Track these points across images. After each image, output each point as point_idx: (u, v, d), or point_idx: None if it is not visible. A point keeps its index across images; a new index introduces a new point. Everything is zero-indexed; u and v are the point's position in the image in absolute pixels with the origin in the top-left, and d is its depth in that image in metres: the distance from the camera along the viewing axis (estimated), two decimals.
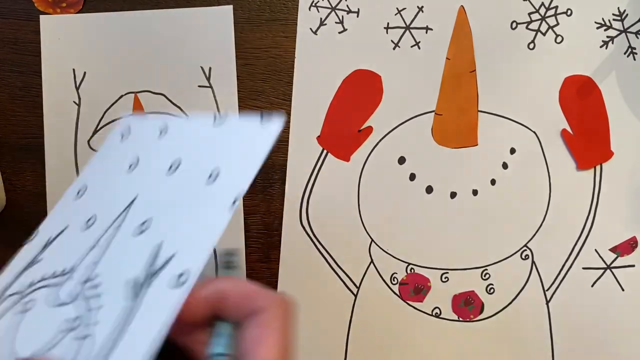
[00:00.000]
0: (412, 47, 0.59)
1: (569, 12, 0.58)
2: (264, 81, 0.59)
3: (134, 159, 0.45)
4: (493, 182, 0.59)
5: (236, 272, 0.41)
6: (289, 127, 0.59)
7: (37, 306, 0.40)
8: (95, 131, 0.59)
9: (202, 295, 0.36)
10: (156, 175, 0.42)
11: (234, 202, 0.38)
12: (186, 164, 0.42)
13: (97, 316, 0.37)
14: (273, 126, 0.41)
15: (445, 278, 0.59)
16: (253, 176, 0.39)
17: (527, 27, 0.58)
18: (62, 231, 0.44)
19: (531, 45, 0.59)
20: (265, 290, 0.36)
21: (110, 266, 0.39)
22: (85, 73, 0.59)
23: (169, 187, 0.41)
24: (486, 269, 0.59)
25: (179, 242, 0.38)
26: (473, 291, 0.59)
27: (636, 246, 0.59)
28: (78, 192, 0.46)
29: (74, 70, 0.59)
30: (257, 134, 0.41)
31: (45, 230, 0.45)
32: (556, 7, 0.58)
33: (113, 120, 0.58)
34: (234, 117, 0.43)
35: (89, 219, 0.43)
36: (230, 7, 0.58)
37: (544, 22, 0.58)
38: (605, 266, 0.59)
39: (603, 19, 0.59)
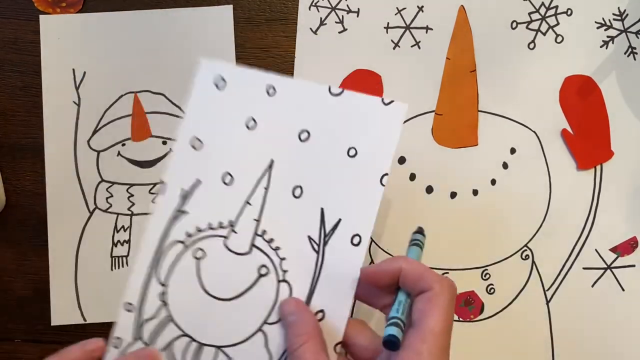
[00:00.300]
0: (412, 46, 0.59)
1: (569, 11, 0.58)
2: None
3: (248, 117, 0.49)
4: (493, 182, 0.59)
5: (421, 249, 0.49)
6: None
7: (211, 254, 0.49)
8: (95, 131, 0.59)
9: (388, 267, 0.44)
10: (287, 142, 0.48)
11: (382, 179, 0.48)
12: (317, 134, 0.48)
13: (283, 265, 0.47)
14: (399, 109, 0.49)
15: None
16: (392, 155, 0.48)
17: (527, 27, 0.59)
18: (195, 184, 0.50)
19: (531, 45, 0.59)
20: (436, 273, 0.43)
21: (278, 224, 0.48)
22: (85, 73, 0.59)
23: (308, 155, 0.48)
24: (486, 269, 0.59)
25: (342, 210, 0.47)
26: (473, 291, 0.59)
27: (636, 246, 0.59)
28: (193, 144, 0.50)
29: (73, 70, 0.59)
30: (385, 115, 0.49)
31: (173, 181, 0.50)
32: (556, 7, 0.58)
33: (113, 120, 0.59)
34: (352, 93, 0.49)
35: (224, 176, 0.49)
36: (230, 6, 0.58)
37: (544, 21, 0.58)
38: (606, 266, 0.59)
39: (603, 18, 0.59)
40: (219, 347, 0.49)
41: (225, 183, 0.50)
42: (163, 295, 0.49)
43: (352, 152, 0.48)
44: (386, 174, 0.48)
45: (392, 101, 0.49)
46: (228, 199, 0.48)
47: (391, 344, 0.40)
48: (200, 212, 0.50)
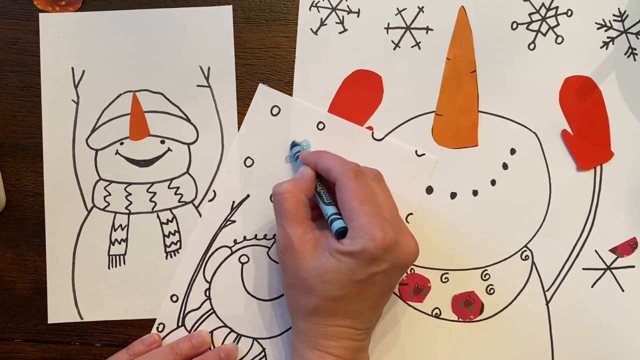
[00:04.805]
0: (412, 47, 0.59)
1: (569, 12, 0.58)
2: (264, 81, 0.59)
3: (297, 146, 0.57)
4: (493, 182, 0.59)
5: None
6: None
7: (255, 260, 0.58)
8: (94, 129, 0.59)
9: (310, 159, 0.54)
10: None
11: (407, 218, 0.58)
12: None
13: None
14: (429, 161, 0.58)
15: (445, 278, 0.59)
16: (418, 199, 0.58)
17: (527, 28, 0.58)
18: (245, 199, 0.58)
19: (531, 46, 0.59)
20: (341, 161, 0.52)
21: None
22: (84, 71, 0.59)
23: None
24: (486, 270, 0.59)
25: None
26: (473, 292, 0.59)
27: (636, 247, 0.59)
28: (245, 161, 0.58)
29: (72, 68, 0.59)
30: (416, 164, 0.58)
31: (223, 191, 0.58)
32: (556, 8, 0.58)
33: (112, 119, 0.59)
34: (392, 141, 0.58)
35: (271, 195, 0.57)
36: (230, 7, 0.58)
37: (544, 22, 0.58)
38: (605, 267, 0.59)
39: (603, 19, 0.59)
40: (255, 339, 0.58)
41: (272, 201, 0.57)
42: (208, 291, 0.58)
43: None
44: (410, 214, 0.58)
45: (424, 154, 0.58)
46: (273, 215, 0.54)
47: (343, 232, 0.49)
48: (247, 223, 0.58)
